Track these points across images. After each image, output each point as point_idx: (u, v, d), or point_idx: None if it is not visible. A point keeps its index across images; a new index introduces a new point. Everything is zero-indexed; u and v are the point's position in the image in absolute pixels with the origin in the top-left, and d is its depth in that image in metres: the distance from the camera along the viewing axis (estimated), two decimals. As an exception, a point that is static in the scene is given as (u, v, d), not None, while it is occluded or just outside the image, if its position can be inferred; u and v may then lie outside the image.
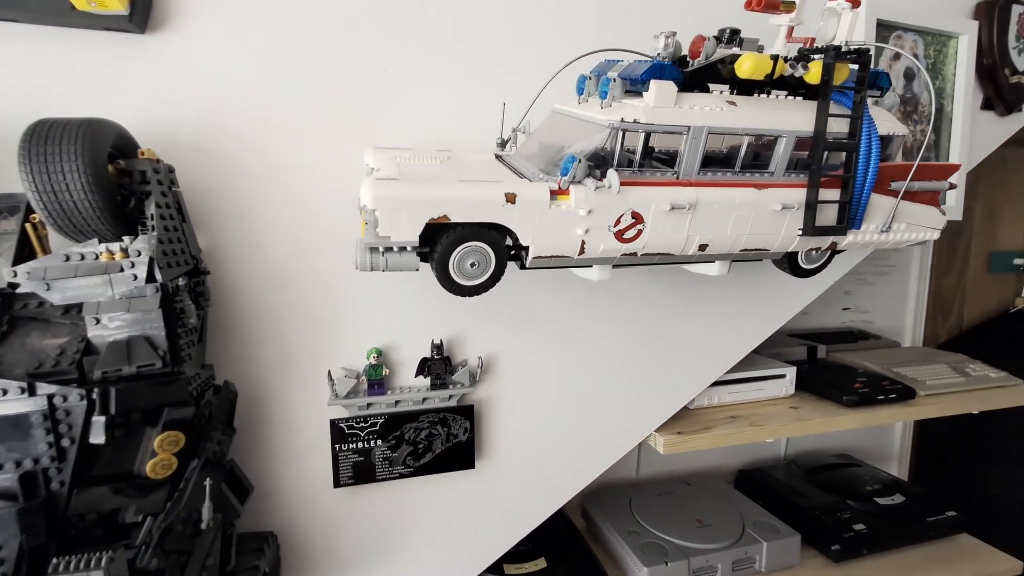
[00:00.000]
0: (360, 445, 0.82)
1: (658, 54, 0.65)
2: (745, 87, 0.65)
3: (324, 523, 0.84)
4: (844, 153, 0.66)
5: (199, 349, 0.67)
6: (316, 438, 0.82)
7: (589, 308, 0.94)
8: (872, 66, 0.67)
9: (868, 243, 0.73)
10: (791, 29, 0.65)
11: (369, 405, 0.82)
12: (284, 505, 0.82)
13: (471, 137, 0.82)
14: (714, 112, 0.61)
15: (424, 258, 0.59)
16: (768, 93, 0.67)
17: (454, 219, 0.55)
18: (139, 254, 0.58)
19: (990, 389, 1.31)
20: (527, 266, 0.62)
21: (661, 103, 0.59)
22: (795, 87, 0.67)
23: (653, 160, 0.71)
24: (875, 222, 0.71)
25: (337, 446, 0.81)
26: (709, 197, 0.63)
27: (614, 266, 0.67)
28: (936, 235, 0.76)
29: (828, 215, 0.67)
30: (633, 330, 0.98)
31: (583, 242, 0.60)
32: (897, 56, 1.04)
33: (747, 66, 0.60)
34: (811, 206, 0.66)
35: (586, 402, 0.98)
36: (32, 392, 0.49)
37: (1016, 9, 1.13)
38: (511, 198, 0.56)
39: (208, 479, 0.63)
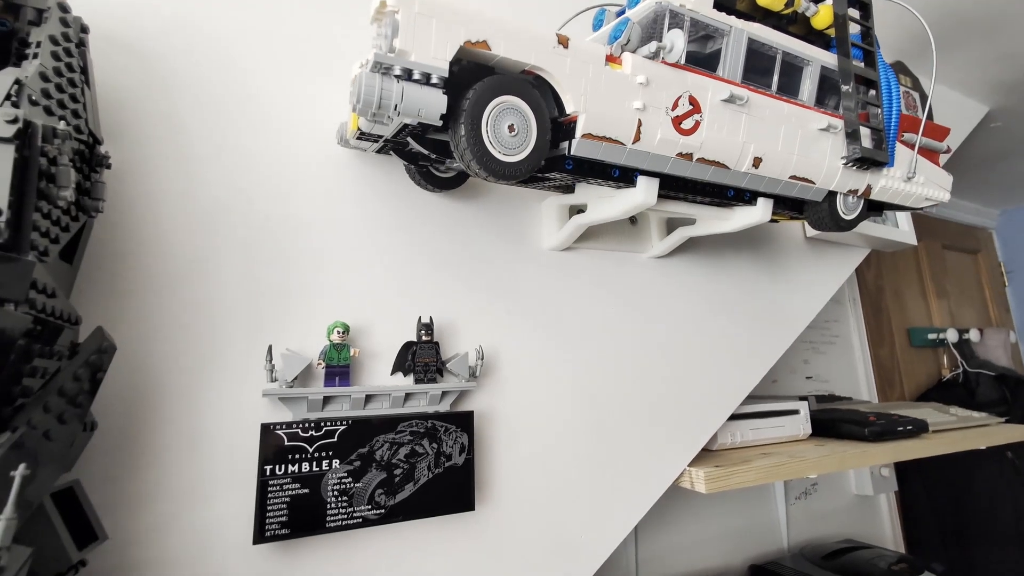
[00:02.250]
0: (306, 468, 0.53)
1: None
2: (760, 19, 0.65)
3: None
4: (867, 90, 0.65)
5: (63, 269, 0.42)
6: (234, 457, 0.52)
7: (602, 307, 0.79)
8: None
9: (897, 192, 0.69)
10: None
11: (325, 402, 0.55)
12: (161, 569, 0.47)
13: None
14: (751, 25, 0.58)
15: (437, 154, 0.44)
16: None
17: (496, 50, 0.42)
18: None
19: (980, 427, 1.27)
20: (572, 152, 0.49)
21: (700, 5, 0.55)
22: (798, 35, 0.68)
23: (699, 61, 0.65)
24: (901, 169, 0.68)
25: (268, 468, 0.51)
26: (760, 100, 0.56)
27: (661, 195, 0.56)
28: (947, 196, 0.75)
29: (865, 143, 0.63)
30: (650, 343, 0.83)
31: (640, 123, 0.49)
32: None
33: (764, -6, 0.60)
34: (852, 133, 0.62)
35: (607, 430, 0.76)
36: None
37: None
38: (563, 40, 0.45)
39: (23, 467, 0.33)
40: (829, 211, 0.68)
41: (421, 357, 0.61)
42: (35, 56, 0.40)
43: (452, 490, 0.60)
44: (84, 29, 0.48)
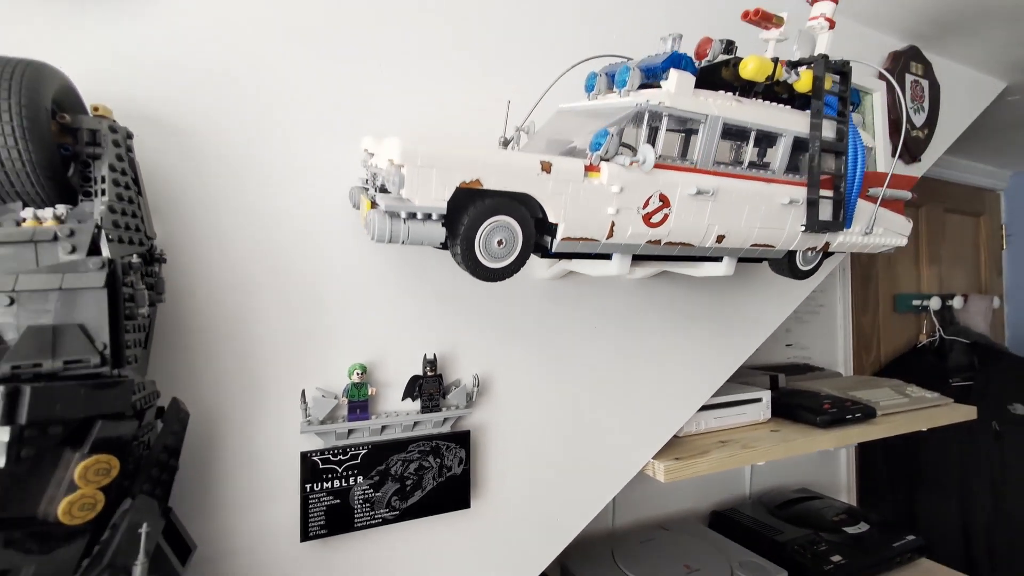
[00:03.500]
0: (337, 484, 0.68)
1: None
2: (744, 92, 0.69)
3: (285, 591, 0.67)
4: (834, 156, 0.70)
5: (144, 355, 0.53)
6: (281, 477, 0.66)
7: (581, 328, 0.89)
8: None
9: (854, 244, 0.76)
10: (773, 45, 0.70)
11: (350, 432, 0.69)
12: (236, 567, 0.64)
13: (471, 134, 0.78)
14: (728, 104, 0.63)
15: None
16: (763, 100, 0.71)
17: (487, 185, 0.49)
18: (81, 223, 0.46)
19: (930, 408, 1.41)
20: (553, 251, 0.57)
21: (681, 91, 0.60)
22: (782, 99, 0.72)
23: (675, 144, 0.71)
24: (860, 224, 0.75)
25: (308, 486, 0.66)
26: (728, 186, 0.63)
27: (634, 258, 0.64)
28: (905, 241, 0.82)
29: (825, 213, 0.70)
30: (627, 353, 0.94)
31: (613, 224, 0.57)
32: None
33: (752, 67, 0.64)
34: (812, 203, 0.68)
35: (582, 428, 0.90)
36: (-100, 388, 0.34)
37: (908, 77, 1.35)
38: (546, 167, 0.52)
39: (145, 525, 0.46)
40: (788, 265, 0.76)
41: (426, 389, 0.74)
42: (102, 192, 0.48)
43: (452, 493, 0.75)
44: (129, 136, 0.54)
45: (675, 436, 1.07)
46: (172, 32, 0.63)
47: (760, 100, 0.70)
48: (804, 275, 0.77)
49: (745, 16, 0.67)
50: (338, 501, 0.68)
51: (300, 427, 0.66)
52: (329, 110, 0.71)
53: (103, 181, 0.48)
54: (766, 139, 0.67)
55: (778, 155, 0.68)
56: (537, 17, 0.85)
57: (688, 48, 0.68)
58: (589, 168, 0.55)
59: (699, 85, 0.66)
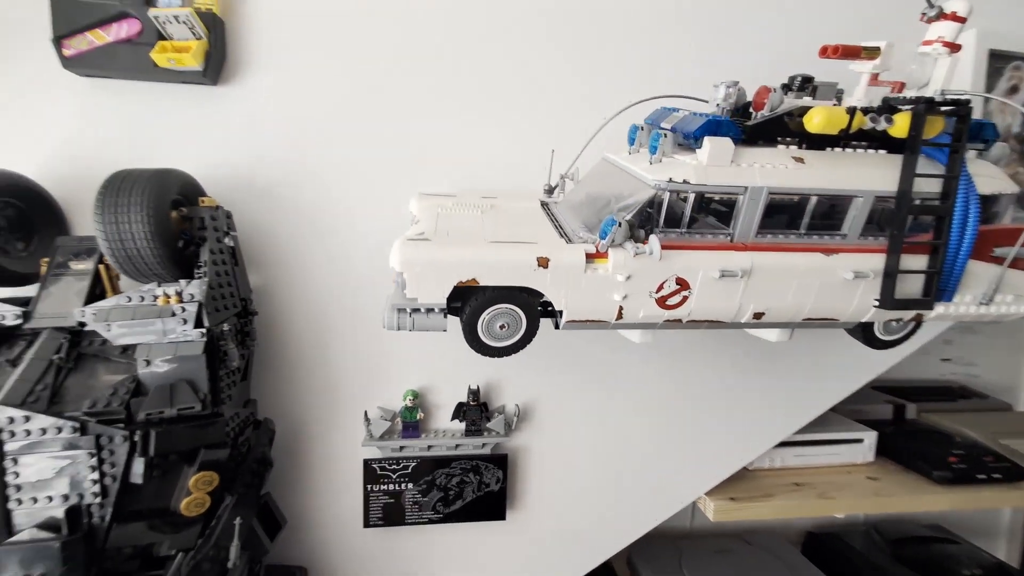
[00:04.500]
0: (391, 487, 0.82)
1: (717, 105, 0.60)
2: (817, 140, 0.59)
3: (354, 563, 0.85)
4: (936, 217, 0.57)
5: (242, 387, 0.70)
6: (349, 476, 0.83)
7: (636, 359, 0.88)
8: (977, 111, 0.58)
9: (963, 316, 0.62)
10: (875, 76, 0.58)
11: (402, 448, 0.81)
12: (315, 540, 0.83)
13: (521, 180, 0.80)
14: (777, 170, 0.55)
15: (455, 313, 0.58)
16: (845, 146, 0.60)
17: (483, 282, 0.53)
18: (191, 298, 0.61)
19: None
20: (560, 328, 0.59)
21: (715, 161, 0.54)
22: (877, 140, 0.59)
23: (711, 213, 0.65)
24: (973, 292, 0.61)
25: (369, 486, 0.81)
26: (767, 263, 0.56)
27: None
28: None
29: (912, 285, 0.58)
30: (685, 384, 0.91)
31: (620, 308, 0.56)
32: (1015, 88, 0.91)
33: (817, 121, 0.54)
34: (890, 275, 0.57)
35: (629, 458, 0.92)
36: (84, 432, 0.53)
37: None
38: (543, 262, 0.53)
39: (238, 518, 0.64)
40: (863, 333, 0.65)
41: (470, 415, 0.83)
42: (205, 275, 0.63)
43: (489, 506, 0.85)
44: (229, 215, 0.69)
45: (745, 468, 1.02)
46: (255, 119, 0.76)
47: (842, 148, 0.59)
48: (886, 346, 0.66)
49: (823, 53, 0.56)
50: (392, 500, 0.82)
51: (363, 440, 0.80)
52: (384, 167, 0.79)
53: (205, 264, 0.63)
54: (835, 202, 0.58)
55: (850, 219, 0.58)
56: (590, 61, 0.81)
57: (751, 88, 0.60)
58: (595, 255, 0.55)
59: (763, 136, 0.59)
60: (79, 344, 0.61)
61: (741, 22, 0.83)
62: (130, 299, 0.61)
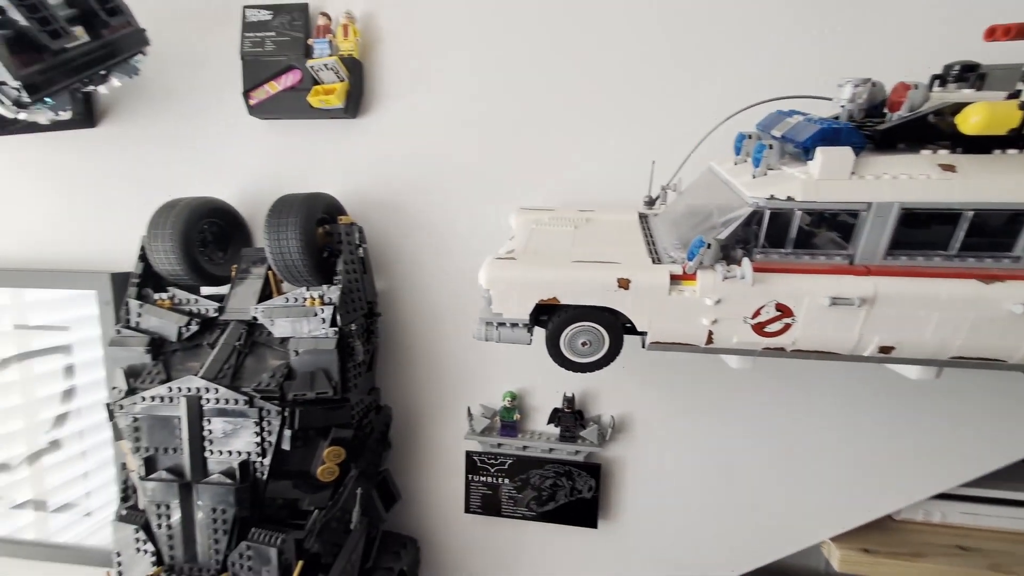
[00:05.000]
0: (489, 479, 0.88)
1: (842, 107, 0.53)
2: (979, 143, 0.48)
3: (456, 542, 0.94)
4: None
5: (367, 377, 0.82)
6: (454, 464, 0.91)
7: (748, 383, 0.82)
8: None
9: None
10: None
11: (500, 445, 0.87)
12: (424, 517, 0.94)
13: (626, 190, 0.79)
14: (915, 182, 0.47)
15: (543, 326, 0.60)
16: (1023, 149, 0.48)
17: (563, 301, 0.54)
18: (329, 301, 0.74)
19: None
20: (646, 349, 0.58)
21: (830, 175, 0.48)
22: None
23: (834, 227, 0.57)
24: None
25: (470, 476, 0.89)
26: (896, 290, 0.48)
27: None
28: None
29: None
30: (808, 414, 0.81)
31: (710, 332, 0.53)
32: None
33: (976, 120, 0.45)
34: (1090, 309, 0.45)
35: (737, 487, 0.85)
36: (251, 404, 0.68)
37: None
38: (623, 284, 0.53)
39: (360, 489, 0.76)
40: (1050, 381, 0.51)
41: (564, 421, 0.85)
42: (340, 282, 0.75)
43: (581, 512, 0.86)
44: (361, 230, 0.81)
45: (890, 517, 0.87)
46: (386, 144, 0.87)
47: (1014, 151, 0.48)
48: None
49: (990, 35, 0.46)
50: (490, 492, 0.88)
51: (465, 433, 0.88)
52: (495, 182, 0.84)
53: (339, 273, 0.75)
54: (1001, 219, 0.47)
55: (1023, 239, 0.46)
56: (704, 60, 0.76)
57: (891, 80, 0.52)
58: (683, 276, 0.53)
59: (896, 143, 0.51)
60: (253, 334, 0.78)
61: (879, 8, 0.70)
62: (287, 300, 0.76)
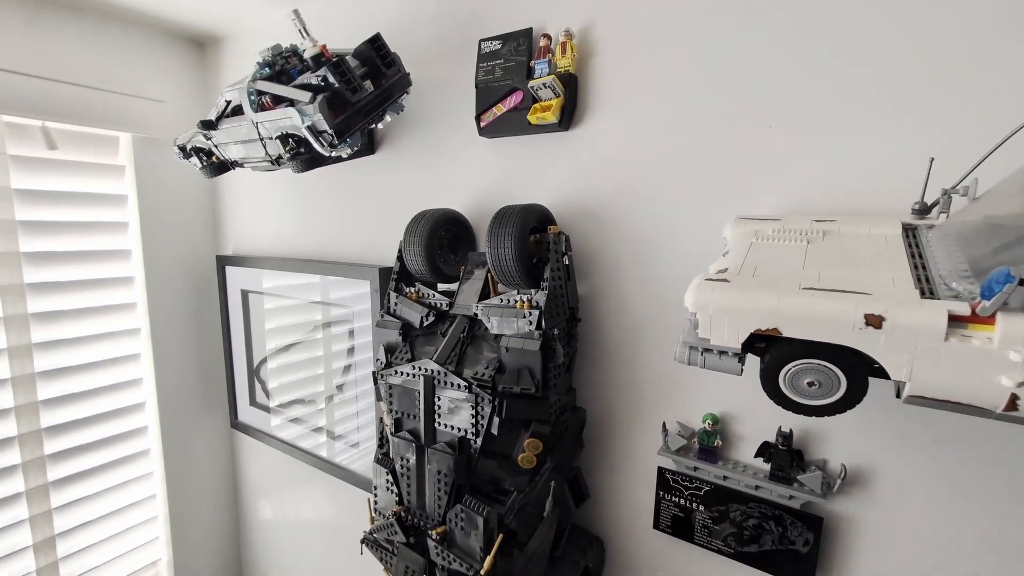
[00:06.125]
0: (682, 502, 0.84)
1: None
2: None
3: (644, 552, 0.92)
4: None
5: (566, 378, 0.86)
6: (644, 476, 0.89)
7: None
8: None
9: None
10: None
11: (696, 468, 0.82)
12: (611, 520, 0.95)
13: (883, 195, 0.65)
14: None
15: (758, 354, 0.54)
16: None
17: (786, 334, 0.47)
18: (536, 305, 0.80)
19: None
20: (903, 400, 0.46)
21: None
22: None
23: None
24: None
25: (661, 492, 0.86)
26: None
27: None
28: None
29: None
30: None
31: (1014, 397, 0.39)
32: None
33: None
34: None
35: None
36: (469, 390, 0.79)
37: None
38: (874, 321, 0.43)
39: (553, 481, 0.81)
40: None
41: (777, 460, 0.74)
42: (546, 287, 0.80)
43: (793, 568, 0.75)
44: (568, 239, 0.85)
45: None
46: (596, 155, 0.89)
47: None
48: None
49: None
50: (682, 515, 0.84)
51: (659, 449, 0.85)
52: (707, 188, 0.78)
53: (546, 280, 0.81)
54: None
55: None
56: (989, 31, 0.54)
57: None
58: (973, 319, 0.40)
59: None
60: (474, 327, 0.90)
61: None
62: (501, 300, 0.85)
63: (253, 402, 1.59)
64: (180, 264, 1.56)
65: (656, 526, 0.87)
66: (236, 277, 1.55)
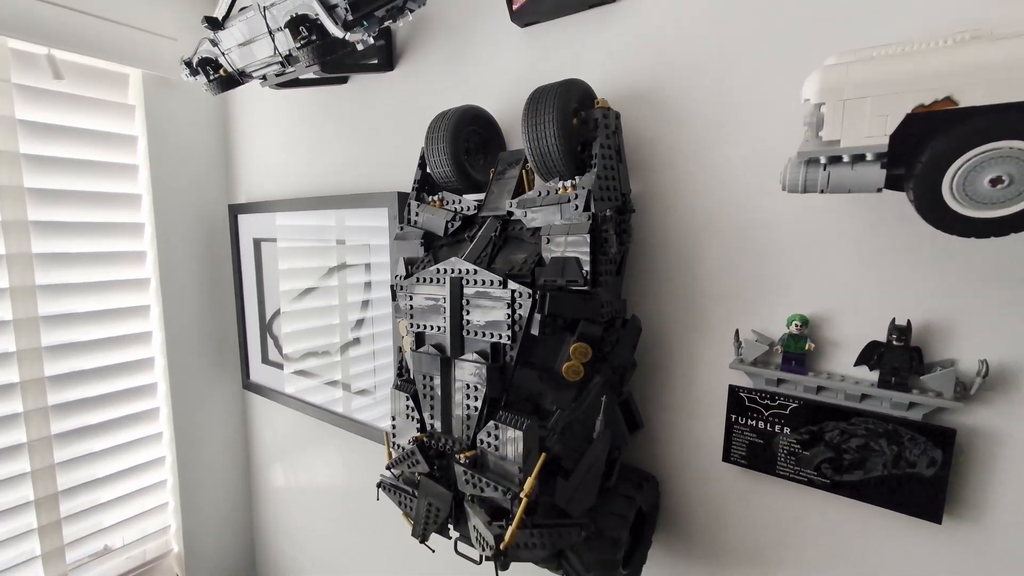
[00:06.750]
0: (760, 425, 0.69)
1: None
2: None
3: (709, 493, 0.78)
4: None
5: (616, 280, 0.73)
6: (712, 399, 0.75)
7: None
8: None
9: None
10: None
11: (780, 382, 0.67)
12: (668, 455, 0.81)
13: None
14: None
15: (899, 167, 0.40)
16: None
17: (968, 102, 0.34)
18: (583, 188, 0.67)
19: None
20: None
21: None
22: None
23: None
24: None
25: (733, 416, 0.71)
26: None
27: None
28: None
29: None
30: None
31: None
32: None
33: None
34: None
35: None
36: (505, 286, 0.67)
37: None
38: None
39: (604, 397, 0.68)
40: None
41: (889, 360, 0.60)
42: (593, 165, 0.68)
43: (911, 495, 0.60)
44: (617, 116, 0.72)
45: None
46: (650, 30, 0.75)
47: None
48: None
49: None
50: (761, 441, 0.69)
51: (730, 363, 0.71)
52: (779, 64, 0.64)
53: (595, 157, 0.68)
54: None
55: None
56: None
57: None
58: None
59: None
60: (507, 228, 0.77)
61: None
62: (539, 193, 0.72)
63: (265, 359, 1.49)
64: (191, 212, 1.48)
65: (727, 458, 0.72)
66: (248, 225, 1.46)
